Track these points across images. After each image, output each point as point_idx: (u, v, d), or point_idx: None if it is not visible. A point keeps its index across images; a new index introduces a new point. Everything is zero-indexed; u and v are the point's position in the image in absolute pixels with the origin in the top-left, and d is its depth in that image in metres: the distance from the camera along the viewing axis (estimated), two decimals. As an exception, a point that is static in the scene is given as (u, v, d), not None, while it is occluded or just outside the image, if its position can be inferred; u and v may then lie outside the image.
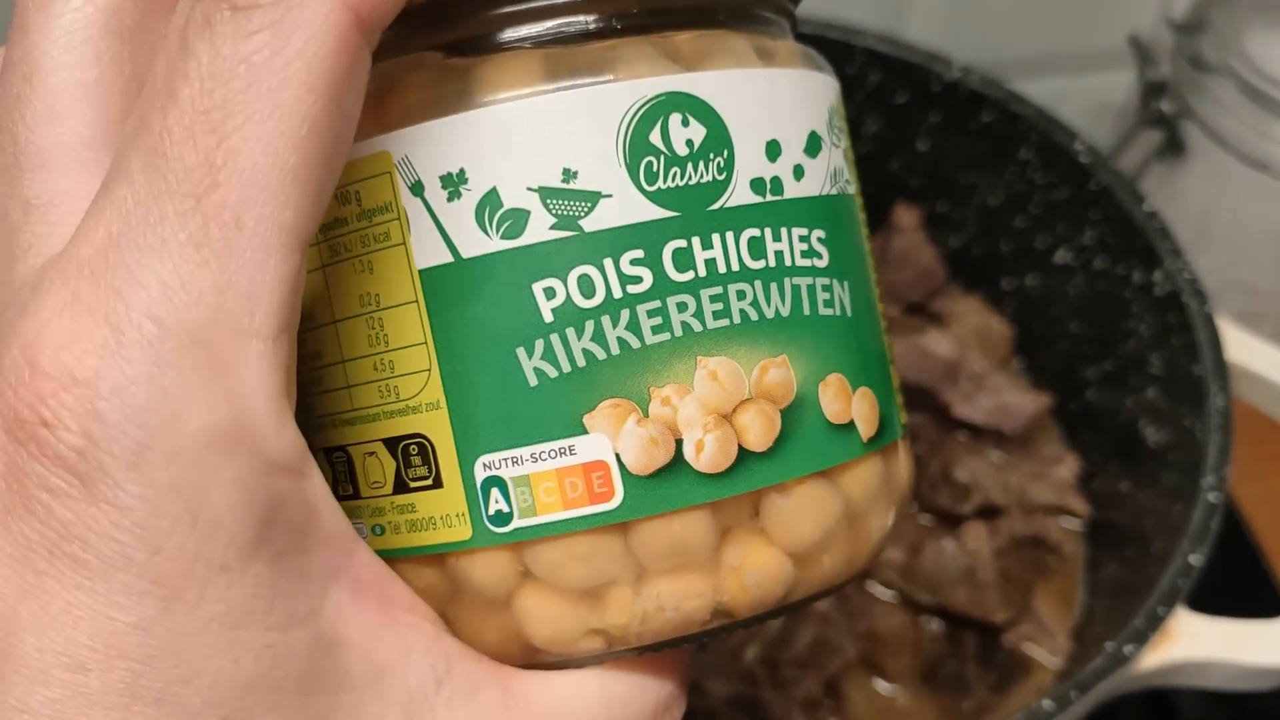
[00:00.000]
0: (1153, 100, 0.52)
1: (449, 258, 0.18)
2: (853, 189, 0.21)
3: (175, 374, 0.15)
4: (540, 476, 0.18)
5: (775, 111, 0.19)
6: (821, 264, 0.19)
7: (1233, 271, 0.52)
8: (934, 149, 0.50)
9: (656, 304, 0.18)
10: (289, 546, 0.16)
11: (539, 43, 0.18)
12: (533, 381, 0.18)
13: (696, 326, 0.18)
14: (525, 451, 0.18)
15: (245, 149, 0.15)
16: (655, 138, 0.18)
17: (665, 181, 0.18)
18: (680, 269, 0.18)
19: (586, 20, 0.18)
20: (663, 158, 0.18)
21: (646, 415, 0.18)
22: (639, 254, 0.18)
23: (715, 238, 0.18)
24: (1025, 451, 0.46)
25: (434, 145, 0.18)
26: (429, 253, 0.18)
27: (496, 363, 0.18)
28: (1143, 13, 0.54)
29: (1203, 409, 0.40)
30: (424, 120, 0.18)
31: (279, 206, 0.15)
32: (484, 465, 0.18)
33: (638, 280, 0.18)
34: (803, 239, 0.19)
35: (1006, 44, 0.58)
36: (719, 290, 0.18)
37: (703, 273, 0.18)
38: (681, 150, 0.18)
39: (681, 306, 0.18)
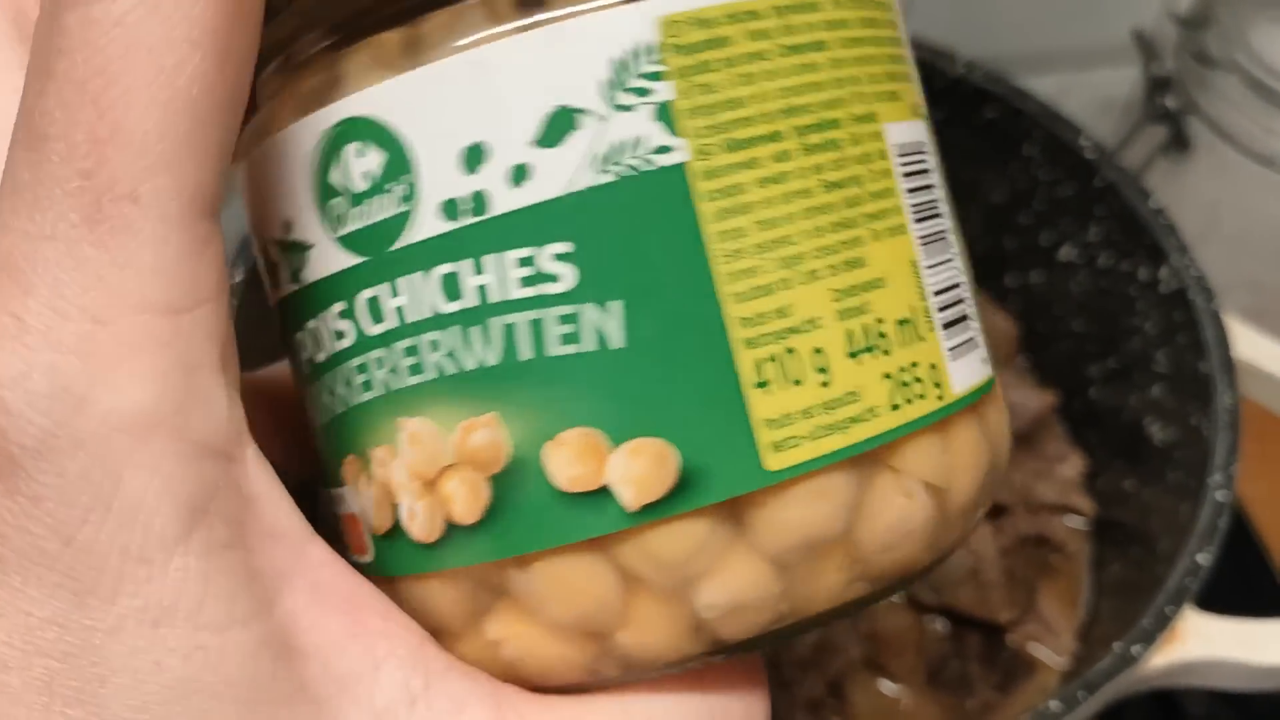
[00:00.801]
0: (1157, 96, 0.52)
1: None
2: (680, 157, 0.16)
3: (77, 358, 0.14)
4: (340, 519, 0.18)
5: (483, 104, 0.16)
6: (559, 288, 0.16)
7: (1238, 267, 0.52)
8: (938, 144, 0.50)
9: (360, 360, 0.17)
10: (227, 540, 0.15)
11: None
12: (316, 427, 0.18)
13: (395, 384, 0.16)
14: (325, 494, 0.18)
15: (131, 118, 0.14)
16: (337, 175, 0.16)
17: (351, 224, 0.16)
18: (375, 320, 0.17)
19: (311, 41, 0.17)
20: (347, 197, 0.16)
21: (371, 476, 0.17)
22: (342, 306, 0.17)
23: (402, 282, 0.16)
24: (1029, 450, 0.46)
25: None
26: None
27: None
28: (1147, 7, 0.54)
29: (1209, 407, 0.40)
30: None
31: (176, 174, 0.14)
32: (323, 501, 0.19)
33: (341, 336, 0.17)
34: (525, 262, 0.16)
35: (1010, 39, 0.58)
36: (411, 342, 0.16)
37: (394, 323, 0.16)
38: (360, 185, 0.16)
39: (379, 363, 0.17)
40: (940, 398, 0.17)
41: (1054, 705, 0.33)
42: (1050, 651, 0.42)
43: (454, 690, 0.16)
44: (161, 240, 0.14)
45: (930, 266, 0.18)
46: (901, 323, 0.17)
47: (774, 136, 0.17)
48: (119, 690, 0.14)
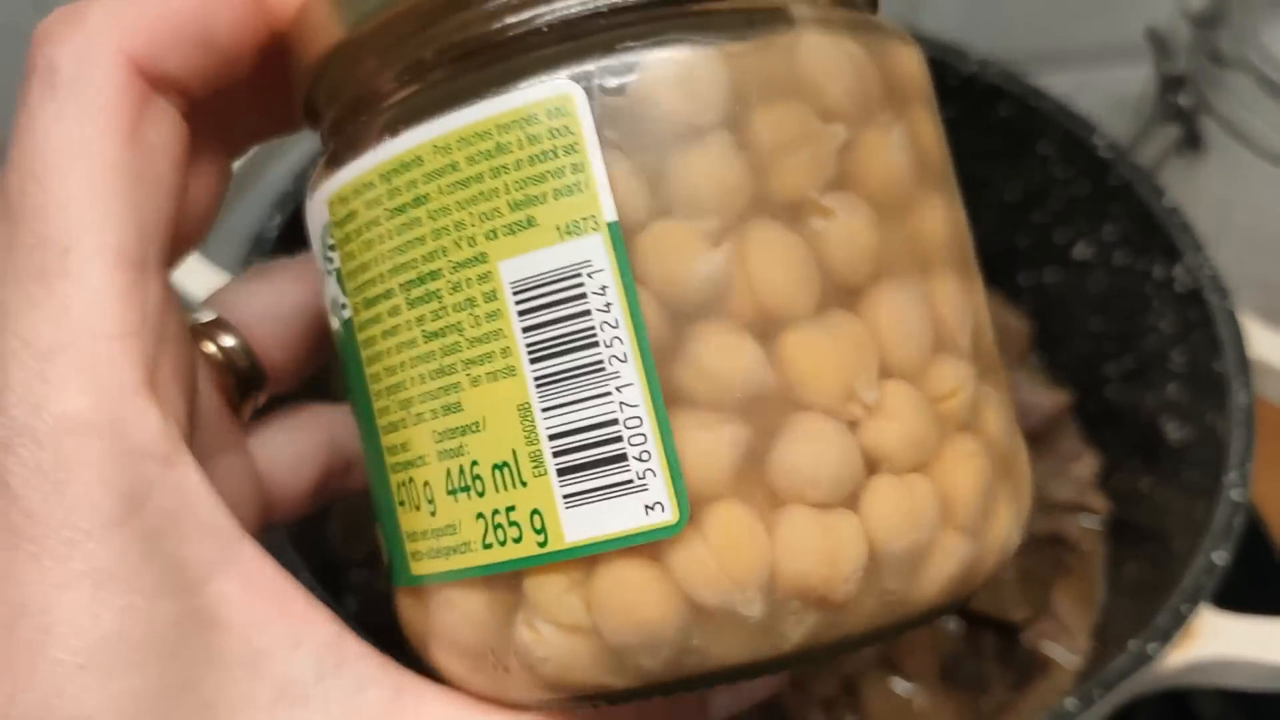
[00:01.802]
0: (1170, 94, 0.52)
1: None
2: (349, 314, 0.20)
3: (36, 378, 0.18)
4: None
5: None
6: None
7: (1250, 266, 0.51)
8: (951, 143, 0.50)
9: None
10: (163, 528, 0.18)
11: None
12: None
13: None
14: None
15: (64, 191, 0.18)
16: None
17: None
18: None
19: None
20: None
21: None
22: None
23: None
24: (1043, 449, 0.46)
25: None
26: None
27: None
28: (1161, 6, 0.54)
29: (1225, 406, 0.40)
30: None
31: (99, 232, 0.18)
32: None
33: None
34: None
35: (1023, 36, 0.58)
36: None
37: None
38: None
39: None
40: (543, 544, 0.18)
41: (1070, 703, 0.33)
42: (1065, 650, 0.42)
43: (362, 671, 0.19)
44: (93, 284, 0.18)
45: (552, 408, 0.18)
46: (499, 466, 0.18)
47: (388, 294, 0.19)
48: (61, 636, 0.17)
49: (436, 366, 0.19)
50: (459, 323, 0.18)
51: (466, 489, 0.18)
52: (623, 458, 0.17)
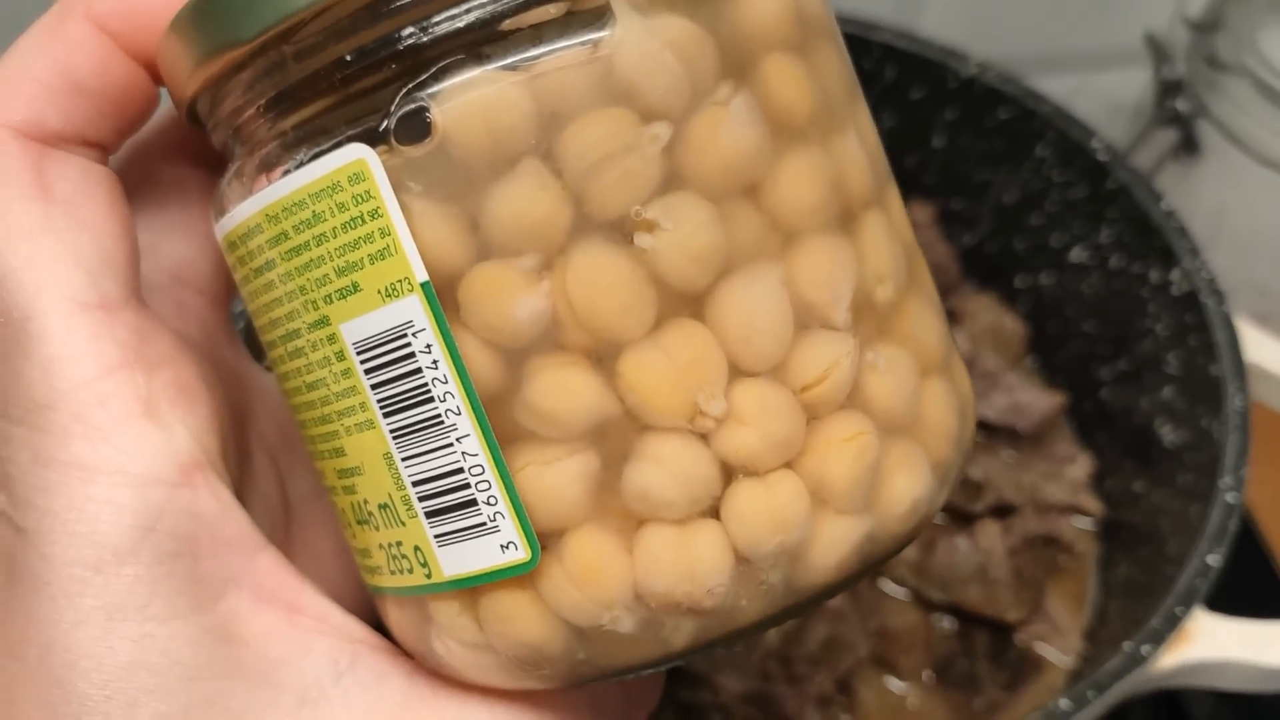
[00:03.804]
0: (1168, 99, 0.52)
1: None
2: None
3: (39, 433, 0.19)
4: None
5: None
6: None
7: (1246, 271, 0.52)
8: (949, 145, 0.50)
9: None
10: (175, 550, 0.19)
11: None
12: None
13: None
14: None
15: (2, 263, 0.19)
16: None
17: None
18: None
19: None
20: None
21: None
22: None
23: None
24: (1038, 450, 0.46)
25: None
26: None
27: None
28: (1158, 10, 0.54)
29: (1220, 409, 0.40)
30: None
31: (48, 291, 0.19)
32: None
33: None
34: None
35: (1022, 40, 0.58)
36: None
37: None
38: None
39: None
40: (429, 576, 0.19)
41: (1063, 704, 0.33)
42: (1057, 651, 0.42)
43: (377, 665, 0.20)
44: (58, 339, 0.19)
45: (410, 458, 0.18)
46: (382, 506, 0.19)
47: (272, 343, 0.20)
48: (85, 671, 0.18)
49: (319, 415, 0.19)
50: (324, 378, 0.19)
51: (365, 522, 0.19)
52: (474, 503, 0.18)
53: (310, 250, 0.18)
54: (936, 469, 0.20)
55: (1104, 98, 0.56)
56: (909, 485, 0.19)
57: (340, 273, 0.18)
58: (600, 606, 0.18)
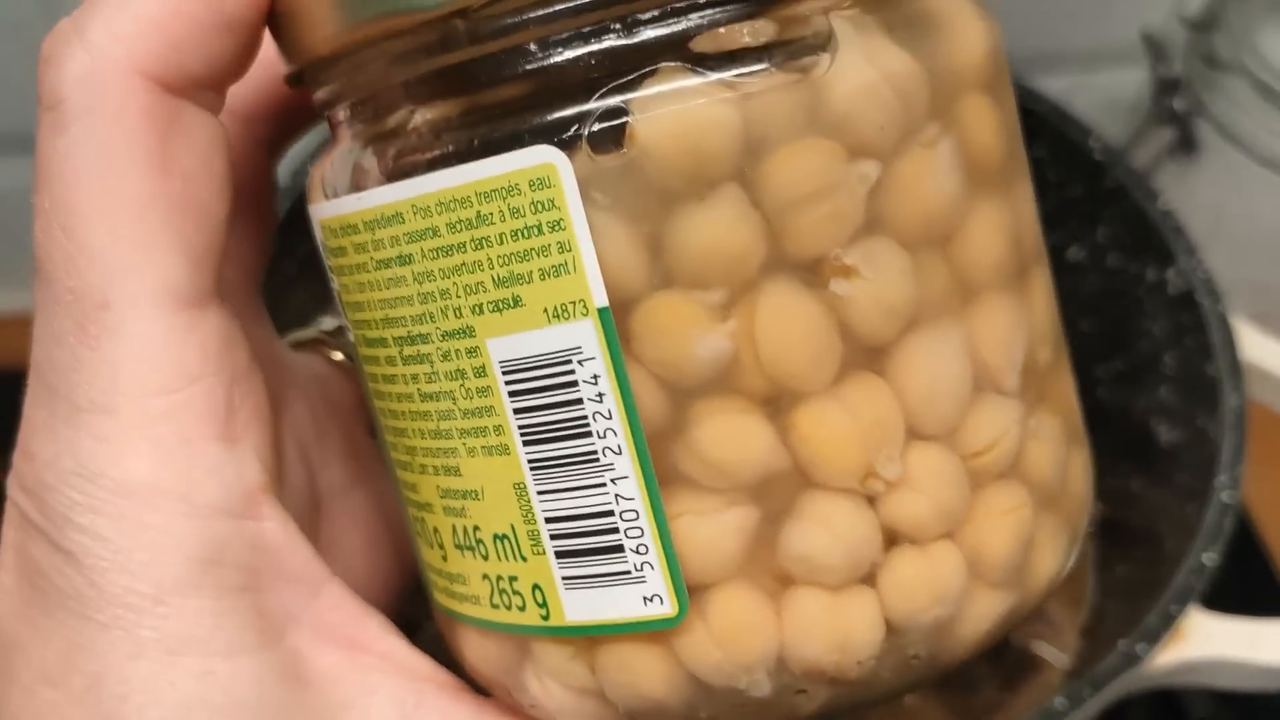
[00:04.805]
0: (1165, 97, 0.52)
1: None
2: (352, 337, 0.19)
3: (93, 441, 0.17)
4: None
5: None
6: None
7: (1244, 270, 0.52)
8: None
9: None
10: (240, 584, 0.17)
11: None
12: None
13: None
14: None
15: (89, 236, 0.17)
16: None
17: None
18: None
19: None
20: None
21: None
22: None
23: None
24: (1036, 449, 0.46)
25: None
26: None
27: None
28: (1156, 9, 0.54)
29: (1216, 409, 0.40)
30: None
31: (137, 278, 0.17)
32: None
33: None
34: None
35: (1019, 38, 0.58)
36: None
37: None
38: None
39: None
40: (545, 618, 0.17)
41: (1059, 703, 0.33)
42: (1055, 650, 0.42)
43: (442, 705, 0.19)
44: (138, 336, 0.17)
45: (549, 492, 0.17)
46: (499, 537, 0.17)
47: (383, 342, 0.18)
48: (139, 706, 0.17)
49: (434, 428, 0.18)
50: (451, 391, 0.17)
51: (471, 548, 0.18)
52: (620, 548, 0.16)
53: (466, 253, 0.16)
54: (1074, 541, 0.19)
55: (1101, 96, 0.56)
56: (1054, 559, 0.19)
57: (500, 283, 0.16)
58: (741, 669, 0.17)
